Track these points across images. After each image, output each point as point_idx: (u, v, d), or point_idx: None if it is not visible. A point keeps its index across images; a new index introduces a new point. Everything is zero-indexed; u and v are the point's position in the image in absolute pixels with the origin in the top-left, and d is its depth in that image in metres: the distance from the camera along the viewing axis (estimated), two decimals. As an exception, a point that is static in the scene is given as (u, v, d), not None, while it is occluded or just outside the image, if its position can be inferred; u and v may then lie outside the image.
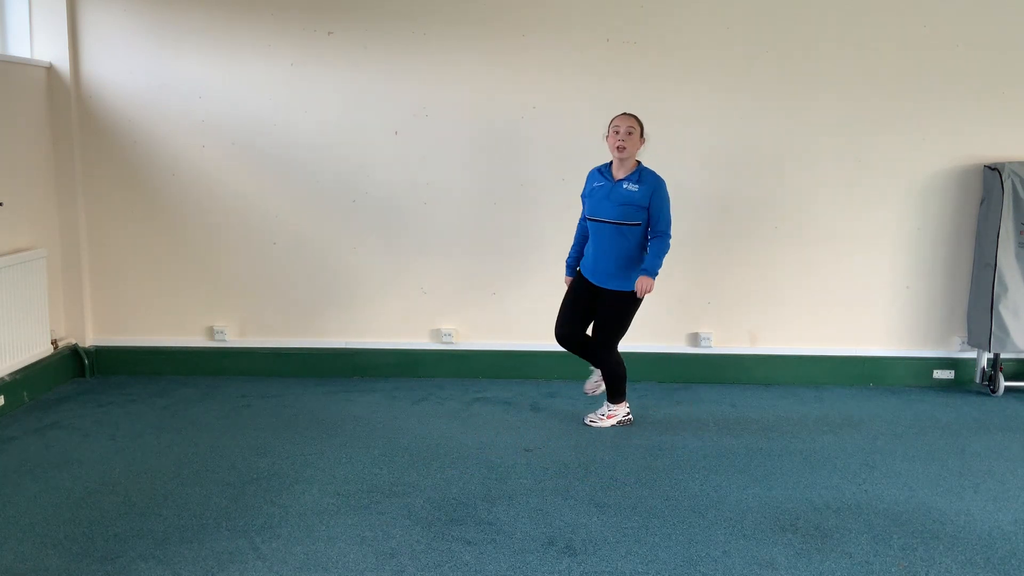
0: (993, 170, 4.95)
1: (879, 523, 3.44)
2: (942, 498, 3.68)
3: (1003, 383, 5.07)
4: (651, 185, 4.18)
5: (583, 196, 4.37)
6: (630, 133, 4.16)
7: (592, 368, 4.60)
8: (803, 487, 3.77)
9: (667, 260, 5.16)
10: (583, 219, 4.40)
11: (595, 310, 4.35)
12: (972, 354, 5.24)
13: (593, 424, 4.40)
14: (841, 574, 3.06)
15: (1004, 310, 4.91)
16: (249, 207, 5.26)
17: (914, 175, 5.10)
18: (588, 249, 4.35)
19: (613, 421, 4.43)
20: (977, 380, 5.20)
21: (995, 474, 3.94)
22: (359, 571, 3.06)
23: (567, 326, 4.39)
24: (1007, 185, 4.86)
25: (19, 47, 5.09)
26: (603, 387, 4.52)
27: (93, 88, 5.19)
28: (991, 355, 5.10)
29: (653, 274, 4.18)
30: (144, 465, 3.98)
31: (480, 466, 3.99)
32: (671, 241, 4.23)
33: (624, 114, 4.25)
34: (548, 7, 5.02)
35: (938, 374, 5.27)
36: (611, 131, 4.22)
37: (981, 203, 5.07)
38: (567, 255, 4.56)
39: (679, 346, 5.31)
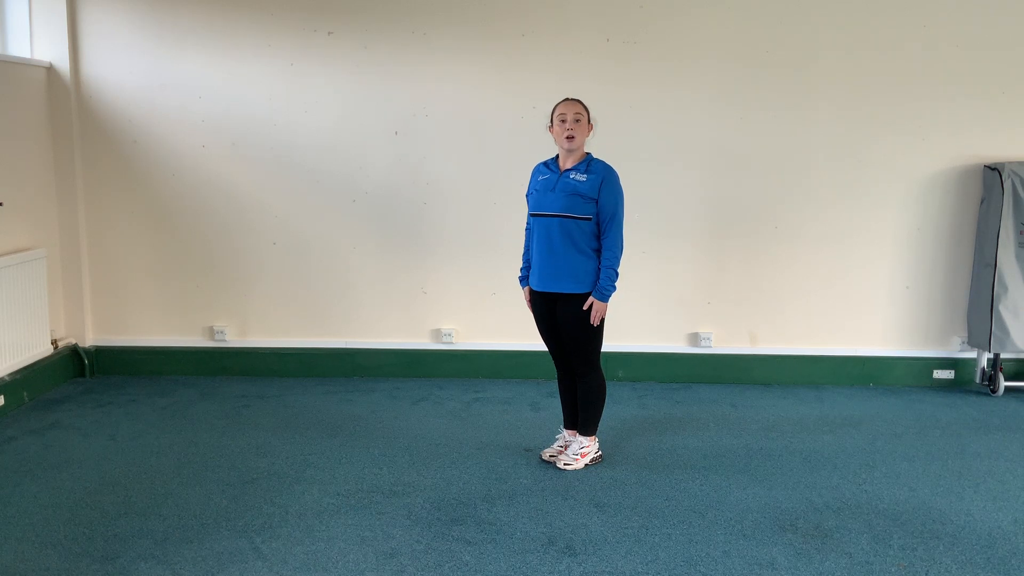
0: (993, 170, 4.95)
1: (879, 523, 3.44)
2: (942, 498, 3.68)
3: (1003, 383, 5.07)
4: (600, 175, 3.76)
5: (527, 195, 3.95)
6: (577, 120, 3.75)
7: (560, 430, 4.20)
8: (803, 487, 3.77)
9: (667, 260, 5.20)
10: (529, 221, 3.96)
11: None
12: (972, 354, 5.24)
13: (568, 467, 3.92)
14: (841, 574, 3.06)
15: (1004, 310, 4.91)
16: (249, 207, 5.26)
17: (914, 175, 5.10)
18: (533, 254, 3.91)
19: (586, 460, 3.96)
20: (977, 380, 5.20)
21: (995, 474, 3.94)
22: (359, 571, 3.06)
23: (560, 364, 4.05)
24: (1007, 185, 4.86)
25: (19, 47, 5.09)
26: (563, 459, 3.98)
27: (93, 88, 5.19)
28: (991, 355, 5.10)
29: (605, 297, 3.78)
30: (144, 465, 3.98)
31: (480, 466, 3.99)
32: (622, 255, 3.81)
33: (568, 100, 3.83)
34: (548, 7, 5.02)
35: (938, 374, 5.27)
36: (556, 120, 3.79)
37: (981, 203, 5.07)
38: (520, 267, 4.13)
39: (679, 346, 5.31)
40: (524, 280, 4.06)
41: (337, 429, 4.46)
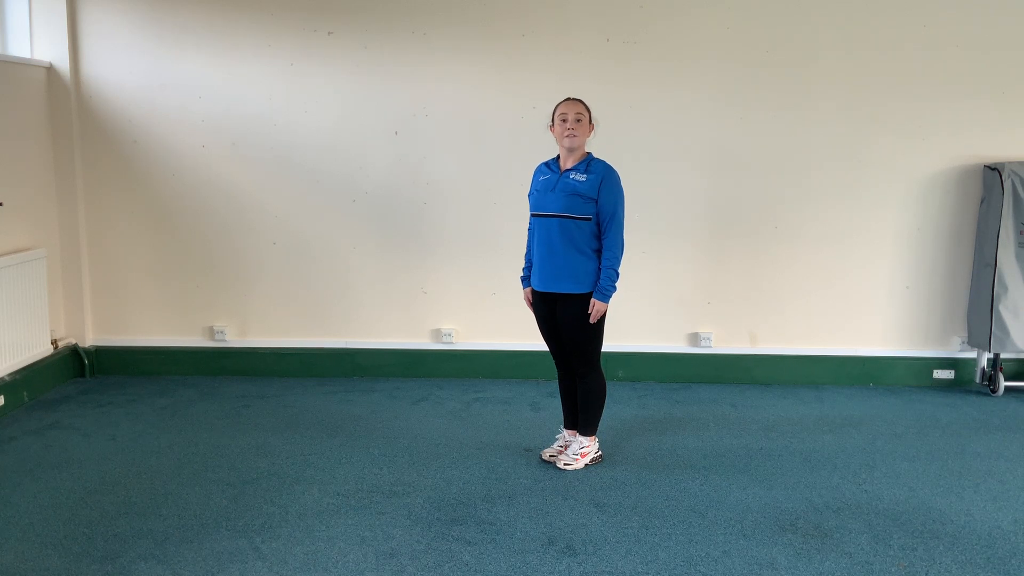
0: (993, 170, 4.95)
1: (879, 523, 3.44)
2: (942, 498, 3.68)
3: (1003, 383, 5.07)
4: (600, 174, 3.75)
5: (529, 195, 3.95)
6: (579, 120, 3.75)
7: (560, 430, 4.19)
8: (803, 487, 3.77)
9: (667, 260, 5.20)
10: (531, 222, 3.94)
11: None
12: (972, 354, 5.24)
13: (568, 467, 3.92)
14: (841, 574, 3.06)
15: (1004, 310, 4.91)
16: (249, 207, 5.26)
17: (914, 175, 5.11)
18: (534, 255, 3.92)
19: (586, 460, 3.96)
20: (977, 380, 5.20)
21: (995, 474, 3.94)
22: (359, 571, 3.06)
23: (561, 364, 4.05)
24: (1007, 185, 4.86)
25: (19, 47, 5.09)
26: (563, 459, 3.98)
27: (93, 88, 5.19)
28: (991, 355, 5.10)
29: (605, 298, 3.77)
30: (144, 465, 3.98)
31: (480, 466, 3.99)
32: (622, 255, 3.81)
33: (569, 99, 3.83)
34: (548, 7, 5.02)
35: (938, 374, 5.27)
36: (557, 120, 3.79)
37: (981, 203, 5.07)
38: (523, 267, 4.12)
39: (679, 346, 5.31)
40: (526, 280, 4.06)
41: (337, 429, 4.46)
